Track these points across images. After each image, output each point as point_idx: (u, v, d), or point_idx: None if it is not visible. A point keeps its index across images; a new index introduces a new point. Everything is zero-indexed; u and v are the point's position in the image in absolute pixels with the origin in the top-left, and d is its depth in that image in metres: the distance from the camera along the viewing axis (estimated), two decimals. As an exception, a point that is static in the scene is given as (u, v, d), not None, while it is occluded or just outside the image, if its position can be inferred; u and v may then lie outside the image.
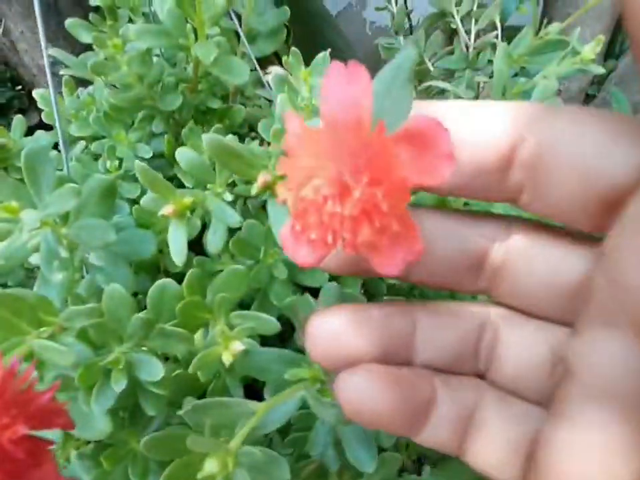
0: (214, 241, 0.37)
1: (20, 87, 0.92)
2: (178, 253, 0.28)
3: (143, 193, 0.45)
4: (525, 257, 0.18)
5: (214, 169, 0.40)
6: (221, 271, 0.42)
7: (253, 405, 0.21)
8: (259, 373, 0.24)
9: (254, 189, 0.26)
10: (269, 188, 0.26)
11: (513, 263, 0.18)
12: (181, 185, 0.43)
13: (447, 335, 0.19)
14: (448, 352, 0.19)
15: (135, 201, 0.45)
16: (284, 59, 0.35)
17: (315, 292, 0.30)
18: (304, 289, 0.40)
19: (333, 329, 0.18)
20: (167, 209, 0.27)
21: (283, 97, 0.36)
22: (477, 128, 0.16)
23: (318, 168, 0.14)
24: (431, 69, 0.62)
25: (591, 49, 0.38)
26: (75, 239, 0.32)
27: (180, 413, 0.21)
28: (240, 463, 0.28)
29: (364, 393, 0.18)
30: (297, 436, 0.32)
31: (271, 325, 0.30)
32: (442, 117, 0.14)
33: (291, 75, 0.38)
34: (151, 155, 0.45)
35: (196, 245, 0.47)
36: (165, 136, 0.44)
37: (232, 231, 0.40)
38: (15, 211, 0.26)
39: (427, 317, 0.19)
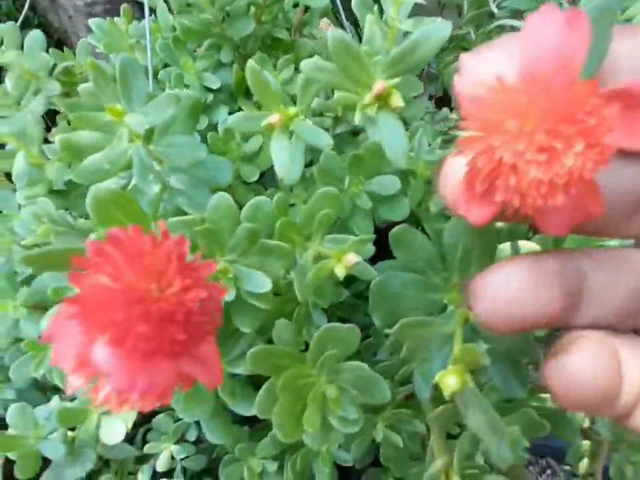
0: (293, 169, 0.35)
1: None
2: (283, 164, 0.27)
3: (210, 124, 0.44)
4: None
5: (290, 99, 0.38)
6: (293, 205, 0.41)
7: (448, 327, 0.20)
8: (393, 298, 0.23)
9: (367, 98, 0.25)
10: (381, 99, 0.25)
11: None
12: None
13: (615, 289, 0.17)
14: (616, 308, 0.17)
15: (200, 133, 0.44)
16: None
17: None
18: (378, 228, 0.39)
19: (510, 287, 0.16)
20: (273, 118, 0.26)
21: (371, 18, 0.34)
22: None
23: (519, 129, 0.13)
24: (495, 10, 0.59)
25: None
26: (162, 156, 0.31)
27: (389, 330, 0.21)
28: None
29: (590, 376, 0.15)
30: (387, 365, 0.32)
31: (366, 246, 0.30)
32: None
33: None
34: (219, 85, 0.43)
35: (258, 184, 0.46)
36: (234, 66, 0.42)
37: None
38: (120, 114, 0.25)
39: (593, 268, 0.17)
